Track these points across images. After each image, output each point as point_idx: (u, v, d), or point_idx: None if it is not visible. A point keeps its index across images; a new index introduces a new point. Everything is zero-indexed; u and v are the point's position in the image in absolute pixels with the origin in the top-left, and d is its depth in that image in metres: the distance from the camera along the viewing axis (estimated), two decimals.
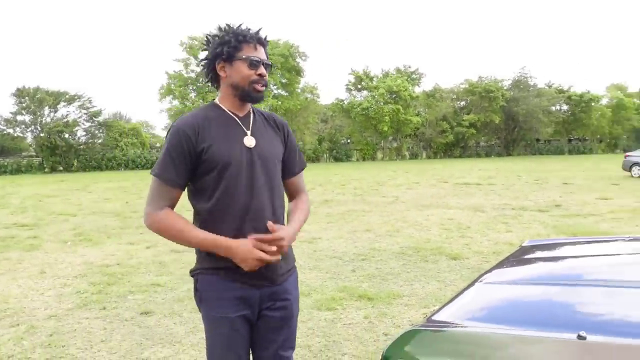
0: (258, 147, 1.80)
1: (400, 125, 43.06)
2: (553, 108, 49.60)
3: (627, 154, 21.05)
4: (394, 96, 42.36)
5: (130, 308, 4.56)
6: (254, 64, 1.78)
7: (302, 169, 2.04)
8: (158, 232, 1.75)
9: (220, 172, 1.73)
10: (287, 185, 2.01)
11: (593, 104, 49.95)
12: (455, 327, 1.92)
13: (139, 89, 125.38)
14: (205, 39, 1.86)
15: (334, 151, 44.59)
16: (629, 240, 3.10)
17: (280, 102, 39.78)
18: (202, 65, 1.88)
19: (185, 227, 1.73)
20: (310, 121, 43.82)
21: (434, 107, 45.69)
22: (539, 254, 2.95)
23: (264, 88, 1.82)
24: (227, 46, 1.76)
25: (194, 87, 39.95)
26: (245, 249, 1.68)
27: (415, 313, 4.27)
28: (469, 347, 1.83)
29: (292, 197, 2.05)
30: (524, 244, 3.19)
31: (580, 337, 1.58)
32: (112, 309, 4.54)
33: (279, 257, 1.76)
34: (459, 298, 2.24)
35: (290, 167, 1.98)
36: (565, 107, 50.97)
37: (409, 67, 46.41)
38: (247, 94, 1.81)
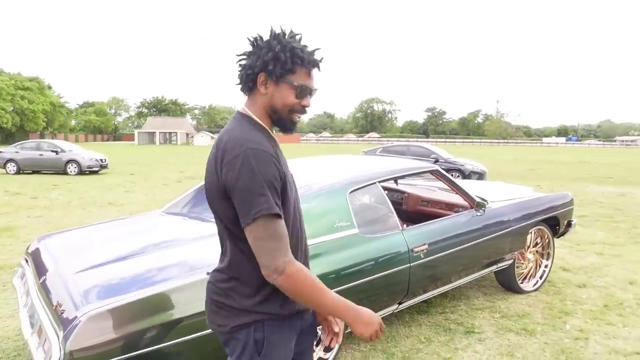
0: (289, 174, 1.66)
1: None
2: None
3: (1, 150, 20.40)
4: None
5: None
6: (302, 93, 1.54)
7: None
8: (295, 287, 1.41)
9: (291, 203, 1.55)
10: None
11: None
12: None
13: None
14: (254, 41, 1.55)
15: None
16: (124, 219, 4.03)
17: None
18: (240, 66, 1.57)
19: (322, 284, 1.46)
20: None
21: None
22: (56, 242, 3.43)
23: (299, 119, 1.61)
24: (279, 66, 1.50)
25: None
26: (371, 313, 1.51)
27: None
28: None
29: None
30: (37, 240, 3.54)
31: (208, 274, 2.39)
32: None
33: None
34: None
35: None
36: None
37: None
38: (282, 122, 1.58)
